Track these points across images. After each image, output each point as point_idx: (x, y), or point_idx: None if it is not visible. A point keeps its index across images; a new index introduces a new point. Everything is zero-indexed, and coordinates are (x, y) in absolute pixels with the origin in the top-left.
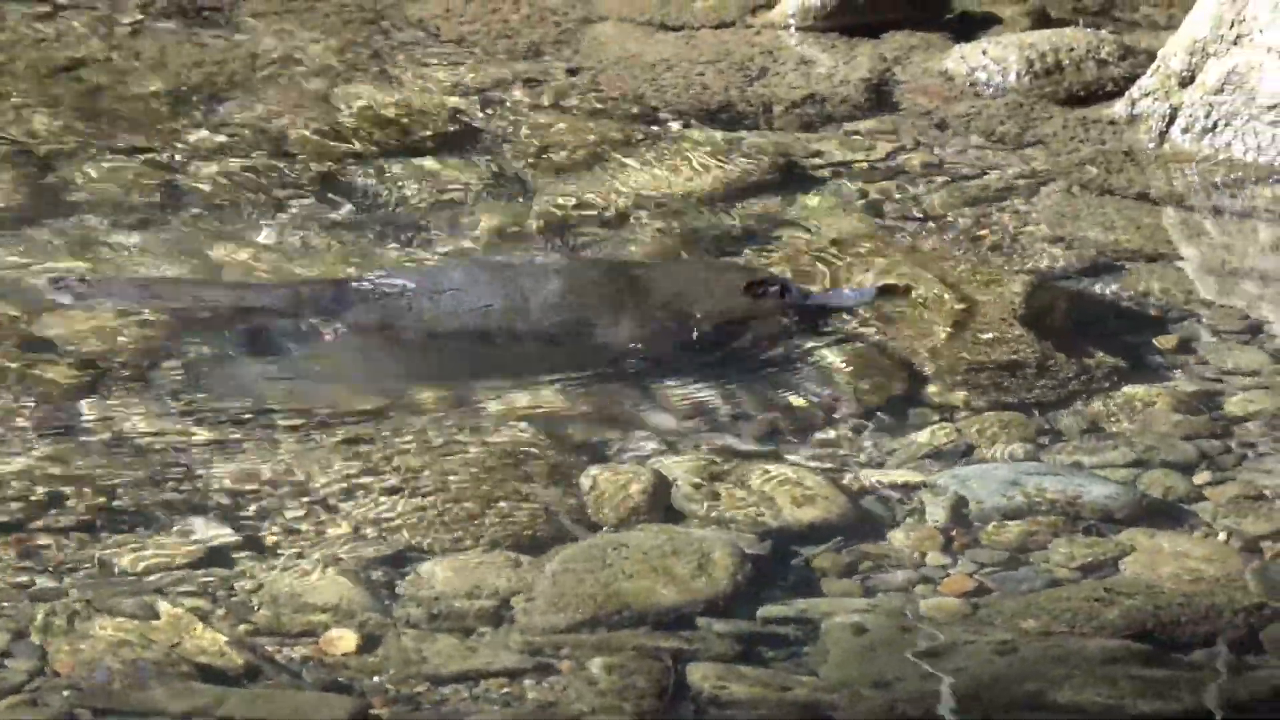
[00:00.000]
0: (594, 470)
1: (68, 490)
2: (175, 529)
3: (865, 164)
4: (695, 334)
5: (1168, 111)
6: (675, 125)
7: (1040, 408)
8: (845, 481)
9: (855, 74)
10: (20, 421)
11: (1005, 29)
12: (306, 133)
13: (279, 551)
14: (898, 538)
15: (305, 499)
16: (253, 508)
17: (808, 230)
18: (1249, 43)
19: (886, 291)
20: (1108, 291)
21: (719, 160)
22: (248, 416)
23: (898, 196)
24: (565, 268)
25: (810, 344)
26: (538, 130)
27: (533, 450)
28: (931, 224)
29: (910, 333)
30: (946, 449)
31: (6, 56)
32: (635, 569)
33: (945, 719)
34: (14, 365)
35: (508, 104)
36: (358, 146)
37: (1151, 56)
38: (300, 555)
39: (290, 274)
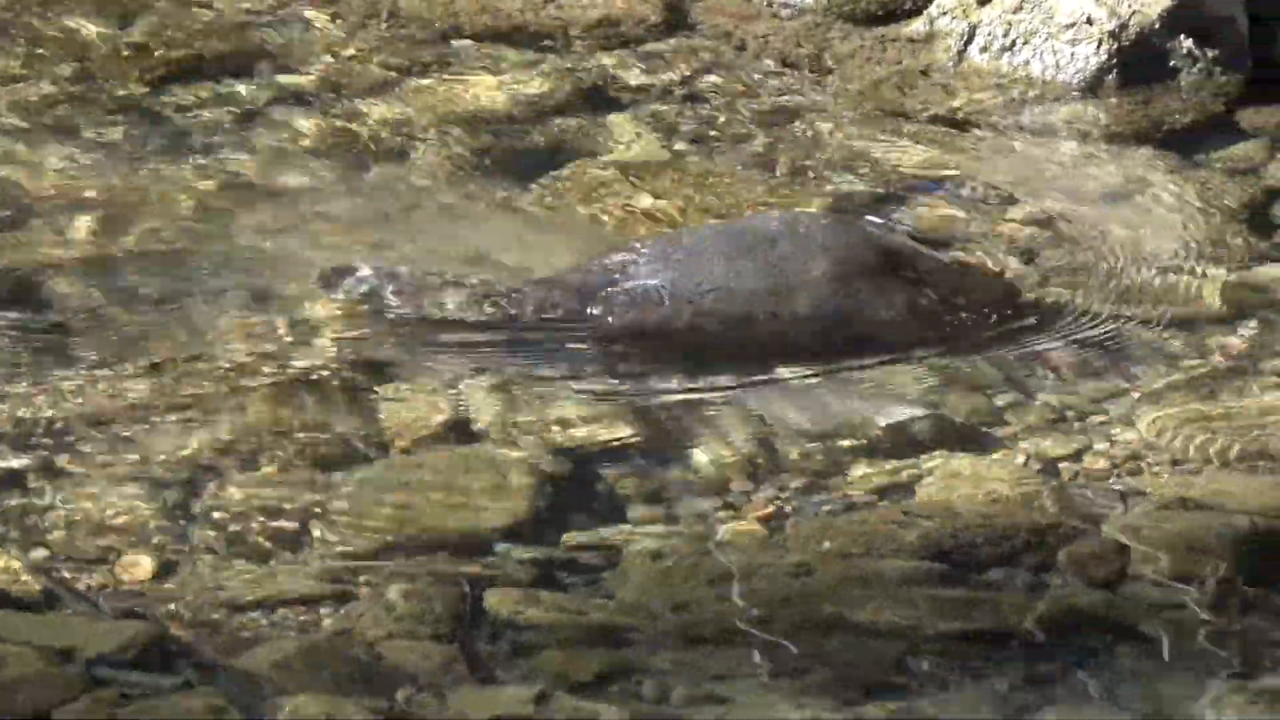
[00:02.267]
0: (392, 395)
1: None
2: None
3: (662, 86)
4: None
5: (966, 30)
6: (469, 47)
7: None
8: (648, 405)
9: None
10: None
11: None
12: (100, 54)
13: (74, 477)
14: (699, 462)
15: (101, 424)
16: (47, 433)
17: (603, 153)
18: None
19: None
20: (906, 214)
21: (514, 83)
22: (40, 344)
23: (695, 119)
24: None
25: None
26: (330, 50)
27: (330, 375)
28: (728, 147)
29: None
30: (747, 371)
31: None
32: (434, 494)
33: (743, 639)
34: None
35: (299, 23)
36: (148, 66)
37: None
38: (95, 481)
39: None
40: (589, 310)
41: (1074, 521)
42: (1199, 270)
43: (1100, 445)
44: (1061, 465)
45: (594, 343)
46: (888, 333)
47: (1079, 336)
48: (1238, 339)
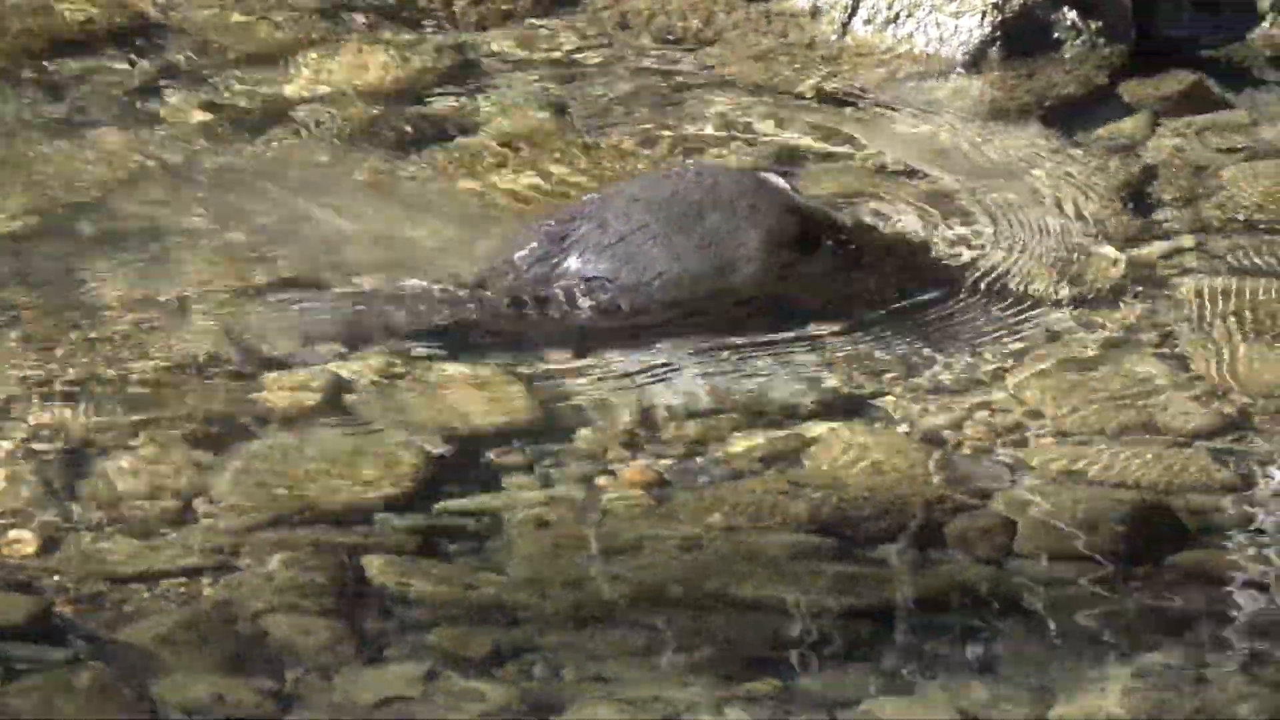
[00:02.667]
0: (275, 372)
1: None
2: None
3: (547, 61)
4: None
5: (850, 3)
6: (354, 21)
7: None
8: (530, 380)
9: None
10: None
11: None
12: None
13: None
14: (584, 435)
15: None
16: None
17: (487, 128)
18: None
19: None
20: (789, 187)
21: (399, 57)
22: None
23: (579, 94)
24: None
25: None
26: (214, 24)
27: (214, 353)
28: (613, 121)
29: None
30: (630, 343)
31: None
32: (316, 468)
33: (631, 616)
34: None
35: None
36: (32, 37)
37: None
38: None
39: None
40: (525, 307)
41: (960, 495)
42: (1084, 245)
43: (988, 419)
44: (949, 438)
45: (486, 320)
46: (806, 304)
47: (972, 308)
48: (1123, 313)
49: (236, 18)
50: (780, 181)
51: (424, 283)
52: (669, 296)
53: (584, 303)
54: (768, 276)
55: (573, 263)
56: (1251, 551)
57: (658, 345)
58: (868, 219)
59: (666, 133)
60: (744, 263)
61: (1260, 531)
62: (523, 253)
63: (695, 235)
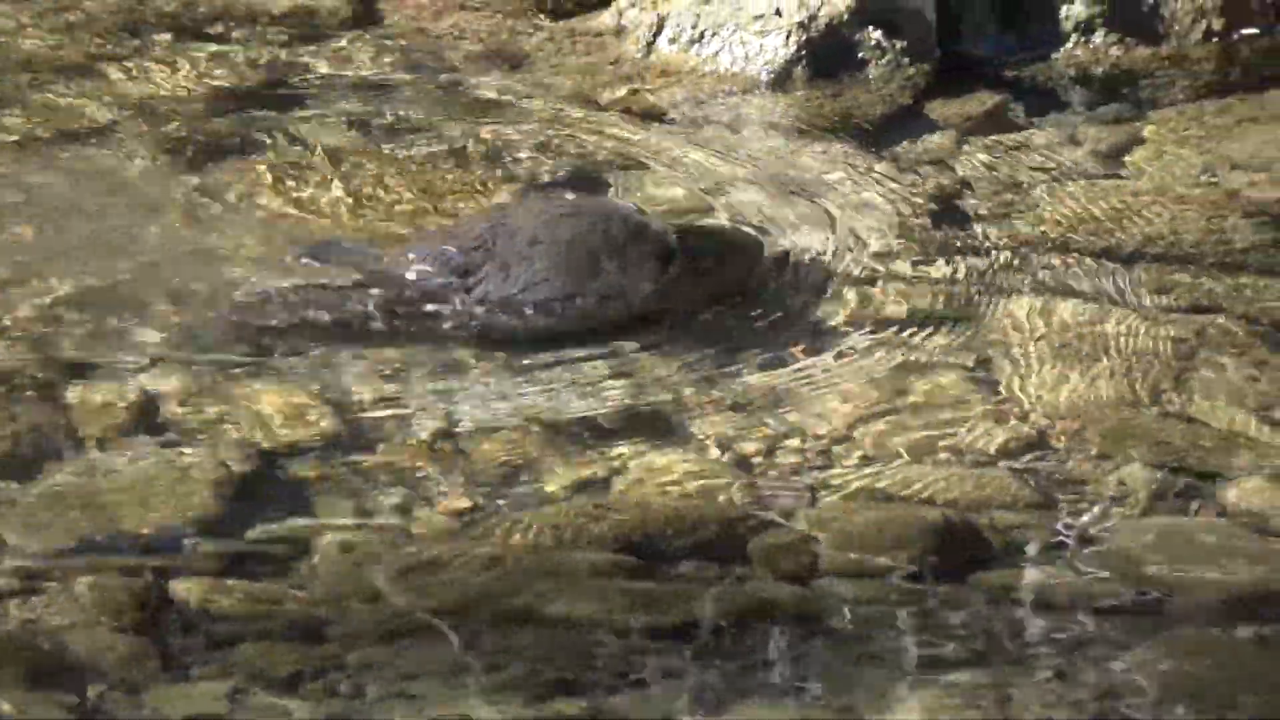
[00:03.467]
0: (80, 387)
1: None
2: None
3: (355, 79)
4: None
5: (655, 21)
6: (163, 36)
7: None
8: (336, 398)
9: None
10: None
11: None
12: None
13: None
14: (388, 454)
15: None
16: None
17: (296, 144)
18: None
19: None
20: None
21: (208, 72)
22: None
23: (386, 109)
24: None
25: None
26: (20, 39)
27: (20, 372)
28: (419, 136)
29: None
30: (441, 365)
31: None
32: (123, 487)
33: (437, 634)
34: None
35: None
36: None
37: None
38: None
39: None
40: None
41: (764, 514)
42: (892, 263)
43: (793, 439)
44: (752, 458)
45: (295, 340)
46: (639, 322)
47: (780, 326)
48: (930, 332)
49: (42, 34)
50: (633, 212)
51: (304, 281)
52: (555, 330)
53: (473, 330)
54: (641, 308)
55: (474, 295)
56: (1053, 569)
57: (475, 367)
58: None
59: (474, 150)
60: (629, 303)
61: (1062, 549)
62: (419, 269)
63: (594, 284)
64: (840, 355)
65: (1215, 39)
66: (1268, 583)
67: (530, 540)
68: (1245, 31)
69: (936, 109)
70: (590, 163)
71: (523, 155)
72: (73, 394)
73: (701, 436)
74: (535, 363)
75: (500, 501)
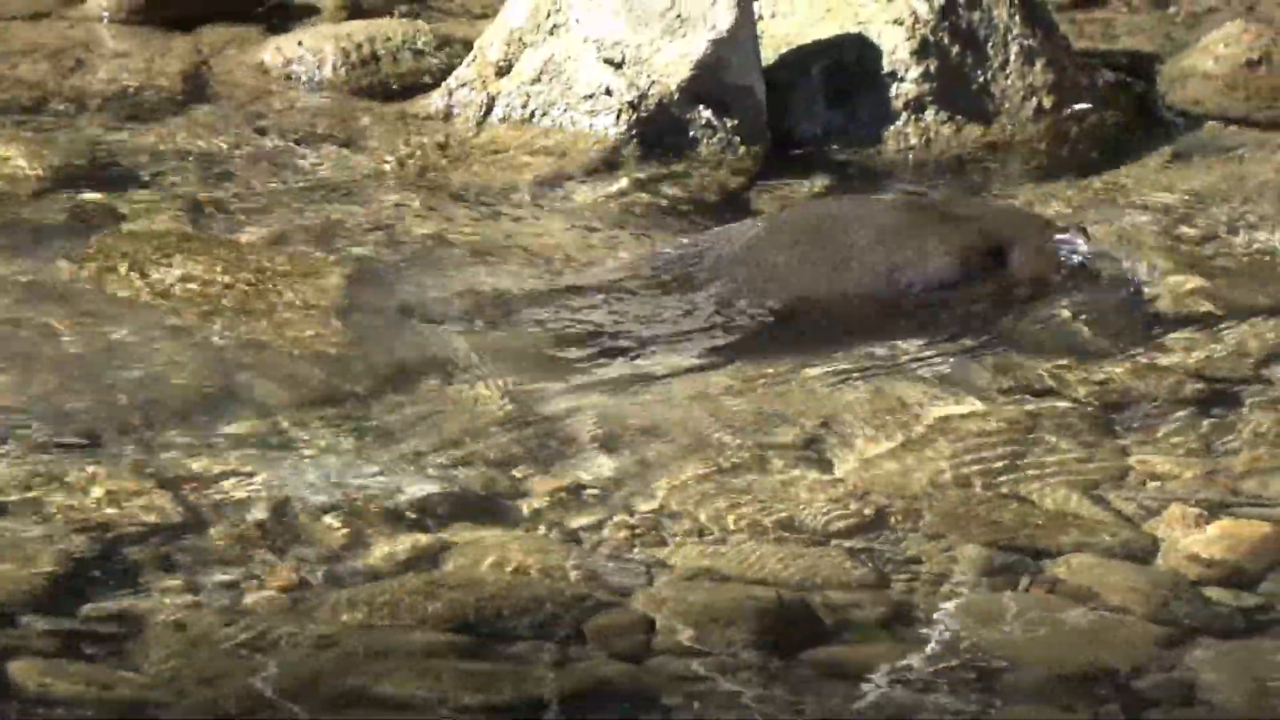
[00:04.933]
0: None
1: None
2: None
3: (183, 158)
4: None
5: (485, 101)
6: None
7: (361, 399)
8: (167, 477)
9: (171, 67)
10: None
11: (322, 20)
12: None
13: None
14: (221, 534)
15: None
16: None
17: (126, 225)
18: (565, 33)
19: None
20: (430, 284)
21: (36, 153)
22: None
23: (217, 192)
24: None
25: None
26: None
27: None
28: (249, 218)
29: (224, 325)
30: (269, 444)
31: None
32: None
33: (270, 714)
34: None
35: None
36: None
37: (469, 46)
38: None
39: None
40: None
41: (598, 593)
42: (723, 343)
43: (627, 518)
44: (587, 537)
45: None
46: None
47: (616, 408)
48: (764, 412)
49: None
50: None
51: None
52: None
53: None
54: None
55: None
56: (885, 648)
57: (306, 442)
58: (500, 314)
59: (304, 230)
60: None
61: (895, 628)
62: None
63: None
64: (675, 435)
65: (1045, 117)
66: (1096, 661)
67: (362, 619)
68: (1075, 109)
69: (767, 189)
70: (423, 245)
71: (356, 237)
72: None
73: (536, 513)
74: (364, 441)
75: (331, 579)
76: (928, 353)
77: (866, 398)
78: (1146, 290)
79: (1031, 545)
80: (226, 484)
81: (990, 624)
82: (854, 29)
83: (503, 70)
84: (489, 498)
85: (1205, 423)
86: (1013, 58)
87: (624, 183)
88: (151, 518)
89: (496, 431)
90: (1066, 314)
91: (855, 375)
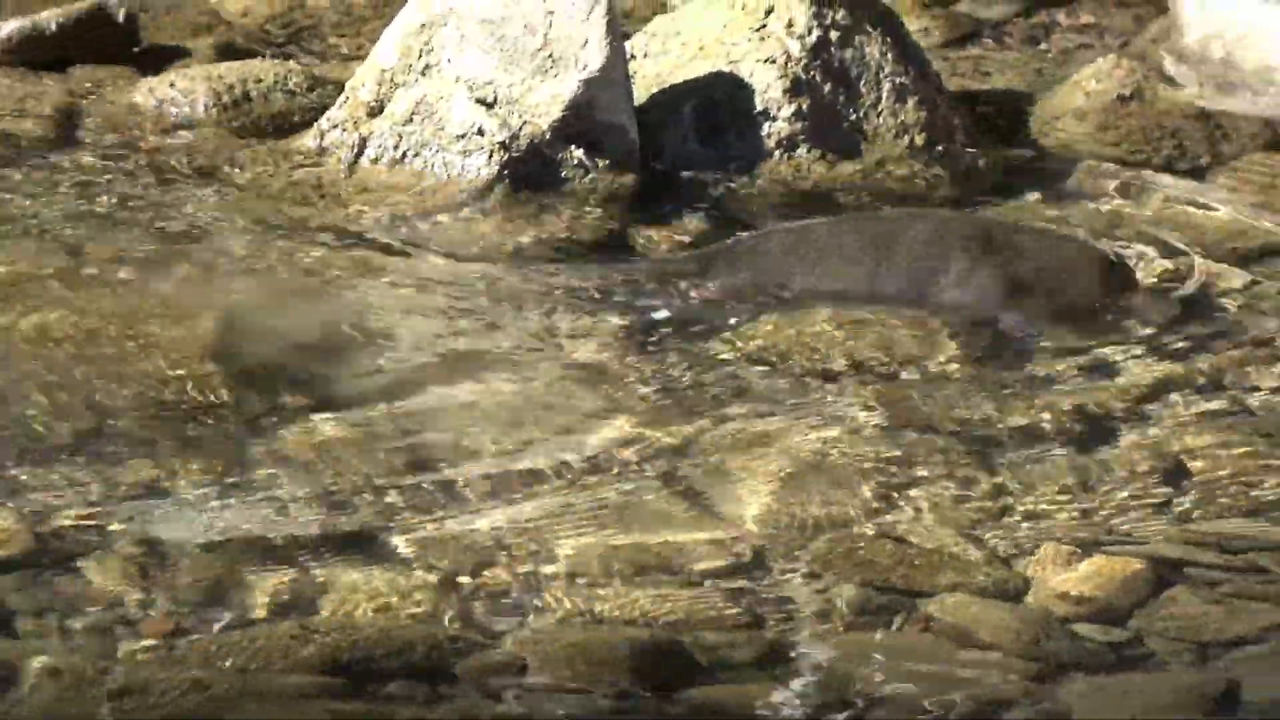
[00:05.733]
0: None
1: None
2: None
3: (53, 198)
4: None
5: (357, 141)
6: None
7: (233, 442)
8: (36, 516)
9: (43, 108)
10: None
11: (195, 61)
12: None
13: None
14: (92, 576)
15: None
16: None
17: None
18: (437, 73)
19: None
20: (299, 324)
21: None
22: None
23: (86, 231)
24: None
25: None
26: None
27: None
28: (123, 259)
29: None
30: (142, 487)
31: None
32: None
33: None
34: None
35: None
36: None
37: (341, 87)
38: None
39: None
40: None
41: (472, 635)
42: (592, 382)
43: (503, 559)
44: (462, 578)
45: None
46: None
47: (491, 450)
48: (640, 453)
49: None
50: None
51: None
52: None
53: None
54: None
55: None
56: (760, 688)
57: (181, 479)
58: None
59: (178, 269)
60: None
61: (770, 668)
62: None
63: None
64: (547, 477)
65: (918, 155)
66: (970, 698)
67: (236, 663)
68: (945, 147)
69: (639, 229)
70: (296, 284)
71: (228, 278)
72: None
73: (411, 555)
74: (238, 483)
75: (205, 623)
76: (804, 388)
77: (743, 436)
78: (1027, 329)
79: (907, 585)
80: (99, 523)
81: (865, 663)
82: (726, 68)
83: (374, 111)
84: (364, 540)
85: (1081, 460)
86: (885, 95)
87: (496, 222)
88: (22, 557)
89: (372, 473)
90: (950, 350)
91: (731, 414)
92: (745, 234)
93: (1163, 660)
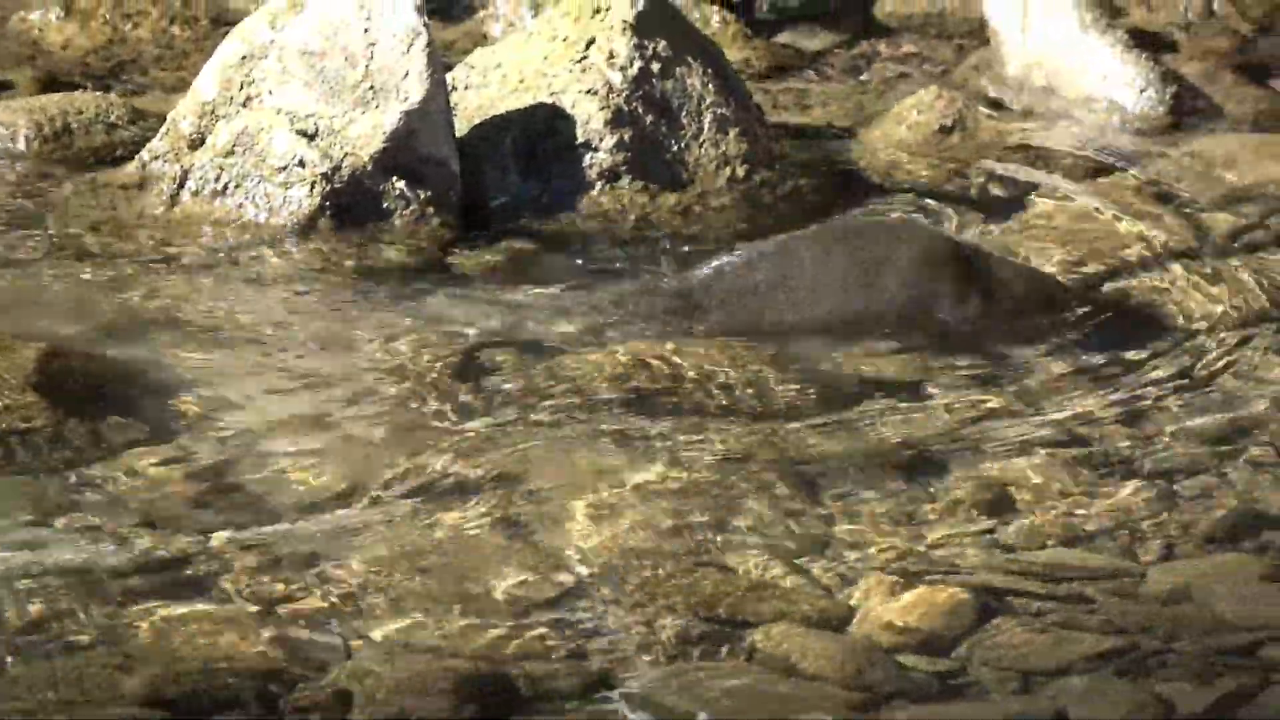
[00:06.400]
0: None
1: None
2: None
3: None
4: None
5: (179, 174)
6: None
7: (54, 475)
8: None
9: None
10: None
11: (16, 94)
12: None
13: None
14: None
15: None
16: None
17: None
18: (259, 105)
19: None
20: (120, 356)
21: None
22: None
23: None
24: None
25: None
26: None
27: None
28: None
29: None
30: None
31: None
32: None
33: None
34: None
35: None
36: None
37: (163, 120)
38: None
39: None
40: None
41: (296, 667)
42: (417, 419)
43: (323, 589)
44: (284, 610)
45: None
46: None
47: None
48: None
49: None
50: None
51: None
52: None
53: None
54: None
55: None
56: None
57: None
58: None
59: (2, 302)
60: None
61: (594, 698)
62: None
63: None
64: (381, 504)
65: (739, 186)
66: None
67: (59, 696)
68: (766, 178)
69: (459, 259)
70: (117, 316)
71: (49, 311)
72: None
73: (233, 588)
74: (59, 513)
75: (24, 654)
76: (628, 417)
77: (566, 468)
78: (853, 359)
79: (731, 615)
80: None
81: (688, 695)
82: (547, 99)
83: (196, 143)
84: (185, 571)
85: (906, 489)
86: (706, 127)
87: (318, 253)
88: None
89: (192, 503)
90: (772, 380)
91: (559, 444)
92: (723, 261)
93: (988, 690)
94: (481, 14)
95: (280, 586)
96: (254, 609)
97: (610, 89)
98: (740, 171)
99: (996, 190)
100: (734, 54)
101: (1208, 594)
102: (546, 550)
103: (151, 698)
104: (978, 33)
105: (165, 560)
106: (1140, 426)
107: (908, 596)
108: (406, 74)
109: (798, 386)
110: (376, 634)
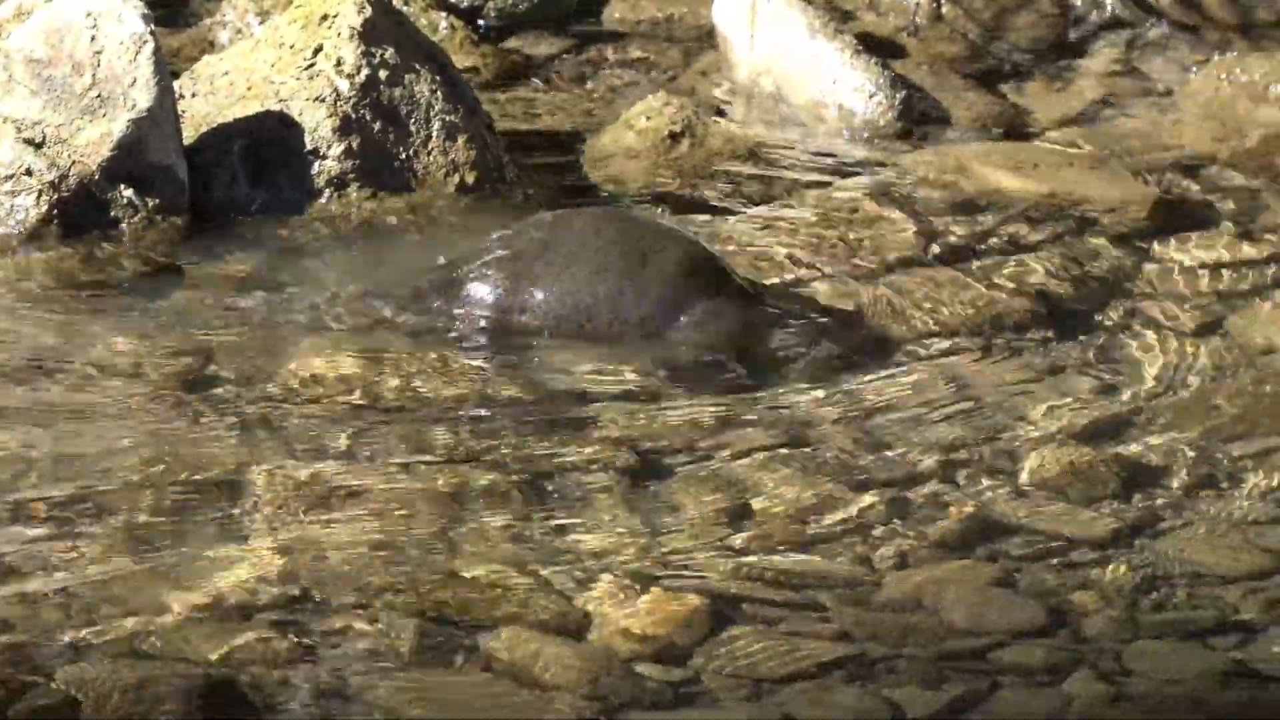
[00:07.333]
0: None
1: None
2: None
3: None
4: None
5: None
6: None
7: None
8: None
9: None
10: None
11: None
12: None
13: None
14: None
15: None
16: None
17: None
18: None
19: None
20: None
21: None
22: None
23: None
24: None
25: None
26: None
27: None
28: None
29: None
30: None
31: None
32: None
33: None
34: None
35: None
36: None
37: None
38: None
39: None
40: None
41: (22, 673)
42: (153, 432)
43: (48, 591)
44: (9, 611)
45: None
46: None
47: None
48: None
49: None
50: None
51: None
52: None
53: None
54: None
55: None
56: None
57: None
58: None
59: None
60: None
61: (321, 706)
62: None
63: None
64: (101, 504)
65: (468, 193)
66: None
67: None
68: (495, 186)
69: (187, 267)
70: None
71: None
72: None
73: None
74: None
75: None
76: (354, 424)
77: (283, 474)
78: (585, 366)
79: (466, 621)
80: None
81: (423, 702)
82: (276, 107)
83: None
84: None
85: (639, 494)
86: (435, 134)
87: (47, 261)
88: None
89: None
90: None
91: (283, 448)
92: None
93: (718, 698)
94: (209, 21)
95: (7, 586)
96: None
97: (338, 96)
98: (469, 178)
99: (725, 198)
100: (462, 60)
101: (939, 600)
102: (270, 553)
103: None
104: (707, 38)
105: None
106: (874, 435)
107: (644, 604)
108: (134, 81)
109: (533, 389)
110: (105, 640)
